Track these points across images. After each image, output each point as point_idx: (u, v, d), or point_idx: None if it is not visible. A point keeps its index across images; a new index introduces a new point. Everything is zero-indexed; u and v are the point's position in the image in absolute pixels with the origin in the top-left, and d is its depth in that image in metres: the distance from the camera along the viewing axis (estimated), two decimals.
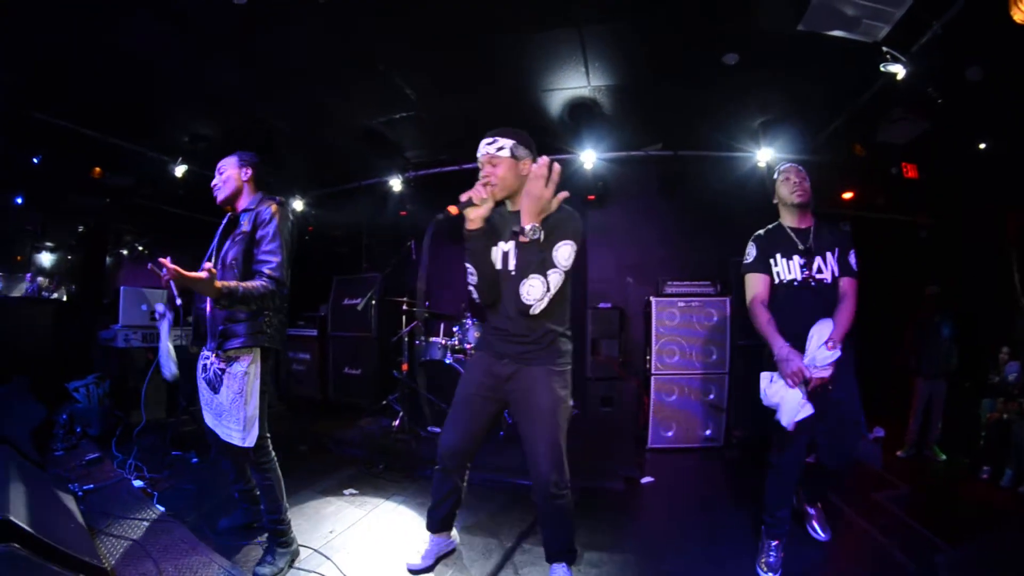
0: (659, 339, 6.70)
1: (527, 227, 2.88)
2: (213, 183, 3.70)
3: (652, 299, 6.81)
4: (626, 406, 6.96)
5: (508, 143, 3.10)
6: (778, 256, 3.78)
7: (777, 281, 3.77)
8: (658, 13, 4.63)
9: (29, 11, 4.45)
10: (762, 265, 3.81)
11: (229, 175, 3.68)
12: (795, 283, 3.71)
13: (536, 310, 2.97)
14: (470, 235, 3.08)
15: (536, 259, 2.91)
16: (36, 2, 4.35)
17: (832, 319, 3.51)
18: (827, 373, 3.38)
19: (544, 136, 6.87)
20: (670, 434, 6.63)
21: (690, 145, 7.14)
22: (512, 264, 3.13)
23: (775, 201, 3.99)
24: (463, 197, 3.00)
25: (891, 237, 7.95)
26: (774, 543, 3.69)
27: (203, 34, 4.92)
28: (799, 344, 3.49)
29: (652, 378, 6.68)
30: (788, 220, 3.89)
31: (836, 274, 3.70)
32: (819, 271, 3.70)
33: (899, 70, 4.62)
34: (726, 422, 6.63)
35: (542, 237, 2.93)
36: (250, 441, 3.41)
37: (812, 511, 4.19)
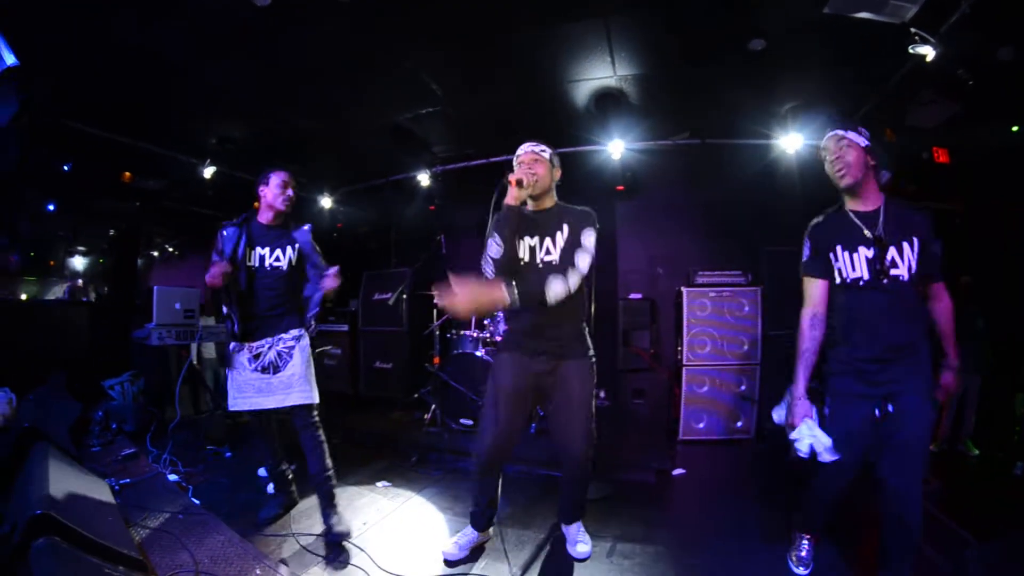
0: (690, 330, 6.62)
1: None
2: (290, 197, 4.28)
3: (683, 289, 6.72)
4: (658, 398, 6.92)
5: (549, 150, 3.54)
6: (839, 249, 3.09)
7: (839, 281, 3.11)
8: (681, 3, 4.58)
9: (61, 21, 4.50)
10: (819, 265, 3.19)
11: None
12: (861, 282, 3.02)
13: (573, 290, 3.21)
14: (507, 209, 3.24)
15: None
16: (68, 12, 4.40)
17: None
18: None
19: (571, 127, 6.86)
20: (701, 426, 6.57)
21: (718, 133, 7.03)
22: (540, 259, 3.41)
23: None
24: (515, 176, 3.28)
25: None
26: (807, 538, 3.57)
27: (228, 38, 4.95)
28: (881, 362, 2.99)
29: (683, 369, 6.59)
30: (850, 203, 3.16)
31: (914, 270, 2.96)
32: (894, 265, 2.96)
33: (928, 52, 4.48)
34: (757, 414, 6.52)
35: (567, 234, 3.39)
36: (316, 396, 4.06)
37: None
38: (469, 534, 3.81)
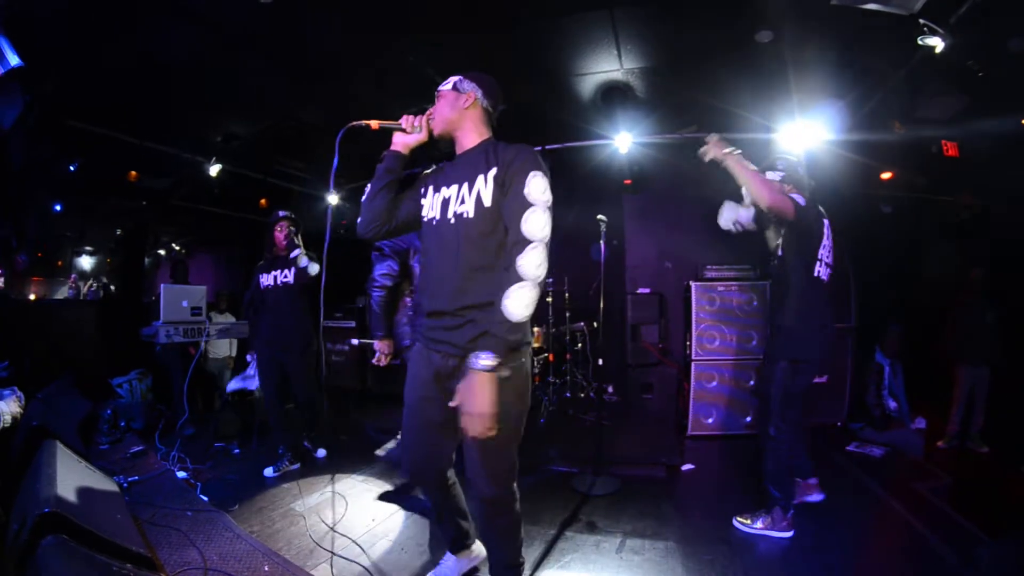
0: (699, 324, 6.57)
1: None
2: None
3: (692, 284, 6.66)
4: (667, 393, 6.90)
5: (455, 78, 2.84)
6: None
7: None
8: None
9: (64, 22, 4.50)
10: None
11: None
12: None
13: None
14: (385, 155, 2.84)
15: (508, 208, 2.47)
16: (70, 13, 4.40)
17: None
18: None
19: (578, 121, 6.83)
20: (711, 421, 6.52)
21: (725, 126, 6.97)
22: (452, 211, 2.61)
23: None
24: (401, 120, 2.81)
25: (932, 219, 7.75)
26: (780, 511, 3.88)
27: (232, 34, 4.94)
28: None
29: (692, 364, 6.54)
30: None
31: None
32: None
33: (937, 43, 4.43)
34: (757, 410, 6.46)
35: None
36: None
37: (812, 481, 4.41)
38: (447, 563, 3.29)
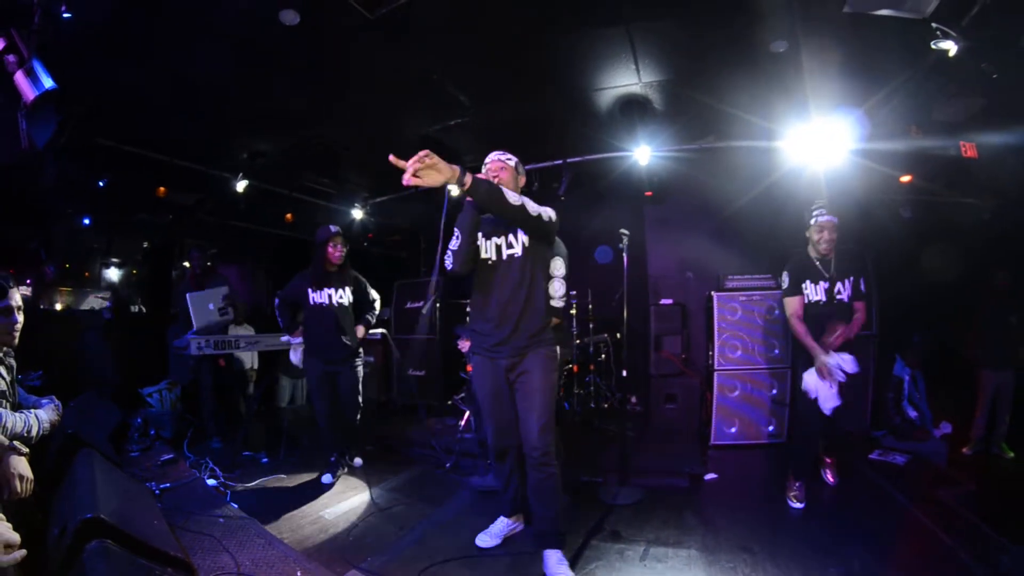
0: (721, 334, 6.58)
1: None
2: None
3: (713, 294, 6.69)
4: (689, 403, 6.92)
5: (515, 159, 3.85)
6: (808, 282, 4.83)
7: (807, 302, 4.82)
8: (703, 7, 4.58)
9: (96, 45, 4.62)
10: (797, 289, 4.84)
11: None
12: (821, 303, 4.79)
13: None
14: (469, 203, 3.45)
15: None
16: (102, 36, 4.52)
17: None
18: (843, 378, 4.52)
19: (598, 134, 6.87)
20: (733, 430, 6.51)
21: (744, 136, 7.01)
22: (506, 254, 3.64)
23: (807, 235, 4.92)
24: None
25: (954, 221, 7.67)
26: (798, 483, 4.75)
27: (258, 55, 5.04)
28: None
29: (715, 374, 6.54)
30: (814, 253, 4.88)
31: (851, 296, 4.78)
32: (838, 293, 4.75)
33: (950, 46, 4.42)
34: (789, 418, 6.43)
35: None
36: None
37: (828, 460, 5.25)
38: (501, 522, 4.09)
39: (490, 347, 3.67)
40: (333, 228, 5.43)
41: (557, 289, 4.38)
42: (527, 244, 3.59)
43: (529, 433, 3.54)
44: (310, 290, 5.38)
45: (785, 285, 4.89)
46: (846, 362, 4.53)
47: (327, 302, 5.39)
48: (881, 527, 4.10)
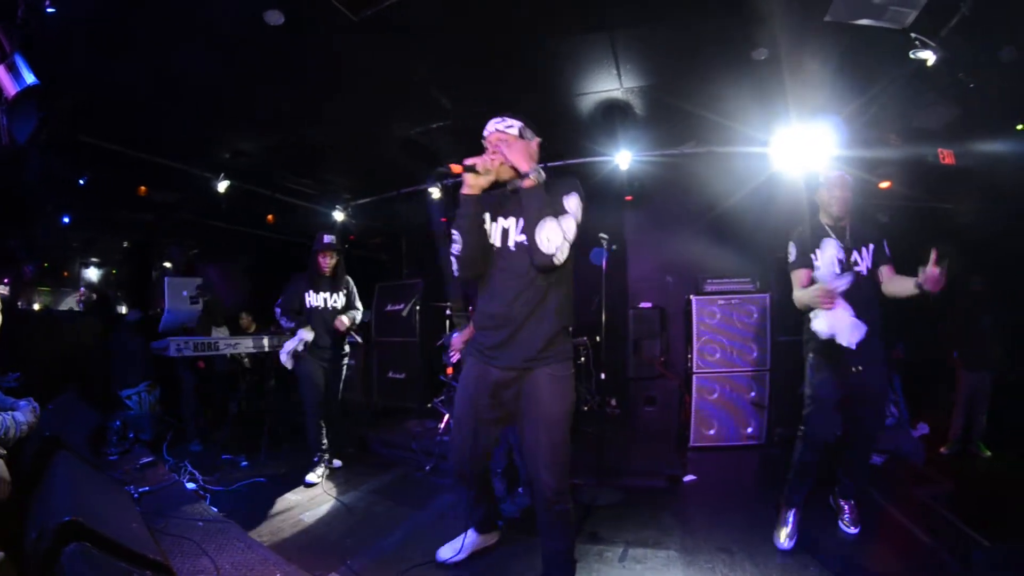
0: (700, 337, 6.65)
1: (530, 170, 2.90)
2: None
3: (692, 298, 6.76)
4: (668, 405, 6.96)
5: (518, 123, 3.14)
6: (818, 251, 3.92)
7: (818, 274, 3.86)
8: (685, 14, 4.64)
9: (79, 42, 4.60)
10: (804, 260, 3.98)
11: None
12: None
13: (559, 259, 2.87)
14: (465, 199, 2.99)
15: (547, 204, 2.91)
16: (85, 33, 4.50)
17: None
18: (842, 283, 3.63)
19: (579, 139, 6.91)
20: (712, 432, 6.57)
21: (724, 142, 7.06)
22: (513, 240, 3.05)
23: (816, 199, 4.11)
24: (468, 161, 2.97)
25: (931, 226, 7.76)
26: (791, 512, 4.00)
27: (243, 55, 5.05)
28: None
29: (694, 377, 6.61)
30: (826, 220, 4.06)
31: (870, 268, 3.89)
32: (856, 264, 3.87)
33: (929, 56, 4.49)
34: (768, 419, 6.52)
35: (544, 178, 2.96)
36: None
37: (846, 506, 4.19)
38: (469, 536, 3.77)
39: (486, 349, 3.10)
40: (327, 239, 5.63)
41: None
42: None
43: (540, 472, 3.00)
44: (308, 294, 5.64)
45: (792, 258, 4.05)
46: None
47: (323, 305, 5.65)
48: (860, 526, 4.14)
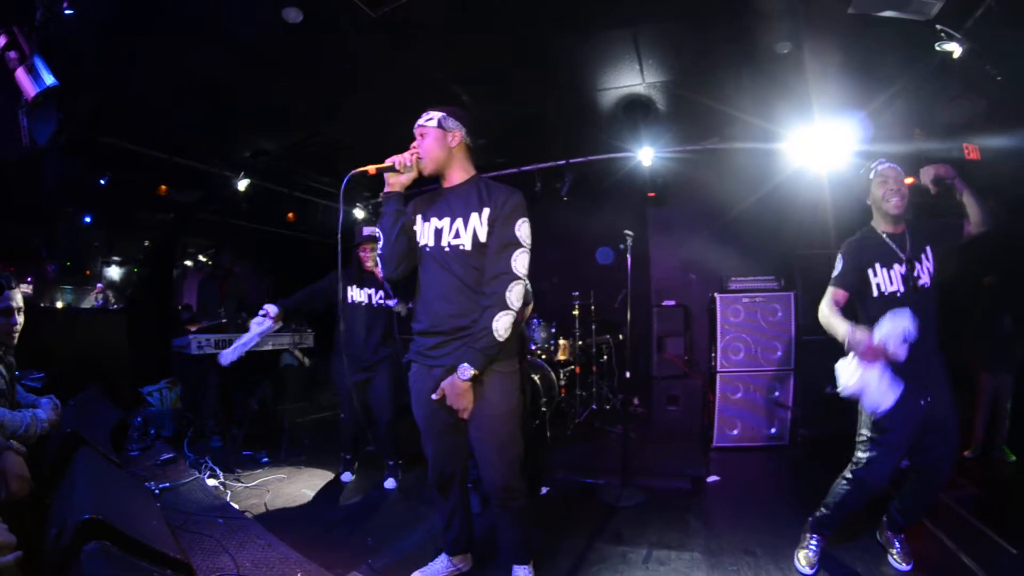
0: (724, 336, 6.55)
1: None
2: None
3: (716, 296, 6.65)
4: (692, 405, 6.90)
5: (437, 115, 3.01)
6: (877, 266, 3.38)
7: (876, 294, 3.37)
8: (708, 9, 4.58)
9: (99, 44, 4.61)
10: (848, 280, 3.45)
11: None
12: (898, 295, 3.30)
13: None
14: (385, 197, 2.99)
15: (493, 232, 2.83)
16: (104, 35, 4.52)
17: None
18: (903, 352, 3.01)
19: (601, 134, 6.87)
20: (735, 432, 6.48)
21: (747, 138, 7.00)
22: (447, 241, 2.91)
23: (868, 202, 3.58)
24: (389, 160, 2.95)
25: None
26: (816, 537, 3.66)
27: (262, 53, 5.05)
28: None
29: (717, 376, 6.52)
30: (883, 225, 3.51)
31: (933, 273, 3.33)
32: (919, 277, 3.31)
33: (955, 48, 4.38)
34: (791, 420, 6.42)
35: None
36: None
37: (895, 541, 3.65)
38: (442, 561, 3.51)
39: (427, 350, 3.00)
40: (366, 231, 5.27)
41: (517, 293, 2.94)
42: (482, 239, 2.85)
43: (487, 470, 2.99)
44: (350, 288, 5.22)
45: (835, 271, 3.49)
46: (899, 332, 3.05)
47: (367, 301, 5.22)
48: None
